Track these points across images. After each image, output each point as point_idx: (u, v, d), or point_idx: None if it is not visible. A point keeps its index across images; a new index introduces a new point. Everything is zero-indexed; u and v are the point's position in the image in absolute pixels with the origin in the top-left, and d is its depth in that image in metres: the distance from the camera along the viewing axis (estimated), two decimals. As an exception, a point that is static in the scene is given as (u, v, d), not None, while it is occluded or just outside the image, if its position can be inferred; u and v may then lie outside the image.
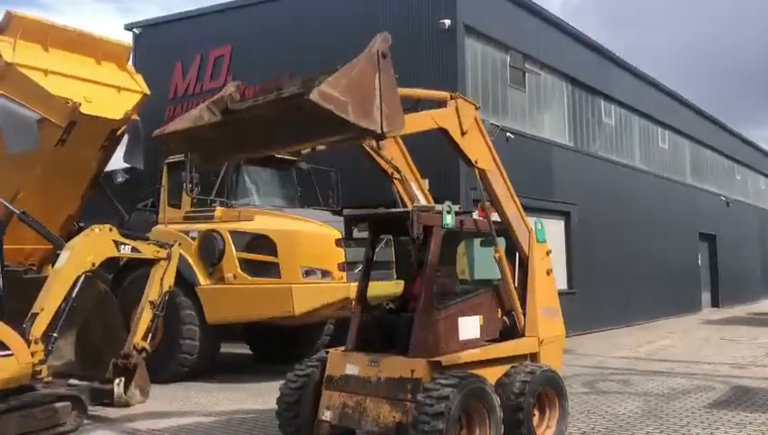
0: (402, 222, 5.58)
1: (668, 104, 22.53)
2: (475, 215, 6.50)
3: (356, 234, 6.29)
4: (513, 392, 5.53)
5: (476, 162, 5.92)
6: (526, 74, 15.30)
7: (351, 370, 5.63)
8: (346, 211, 6.37)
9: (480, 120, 6.02)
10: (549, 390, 5.89)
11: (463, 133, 5.73)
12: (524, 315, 6.23)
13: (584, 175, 16.92)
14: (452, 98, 5.72)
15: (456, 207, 5.81)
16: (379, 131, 4.16)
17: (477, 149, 5.95)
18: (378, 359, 5.50)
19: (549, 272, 6.61)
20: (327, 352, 5.97)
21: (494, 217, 6.30)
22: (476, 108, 5.92)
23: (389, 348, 5.67)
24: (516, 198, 6.40)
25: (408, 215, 5.50)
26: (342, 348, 5.95)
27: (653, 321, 18.95)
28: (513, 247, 6.44)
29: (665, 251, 20.55)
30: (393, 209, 6.28)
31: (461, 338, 5.77)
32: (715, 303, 25.42)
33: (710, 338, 15.42)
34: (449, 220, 5.68)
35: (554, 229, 14.74)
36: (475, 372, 5.35)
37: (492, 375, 5.58)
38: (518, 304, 6.15)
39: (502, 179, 6.24)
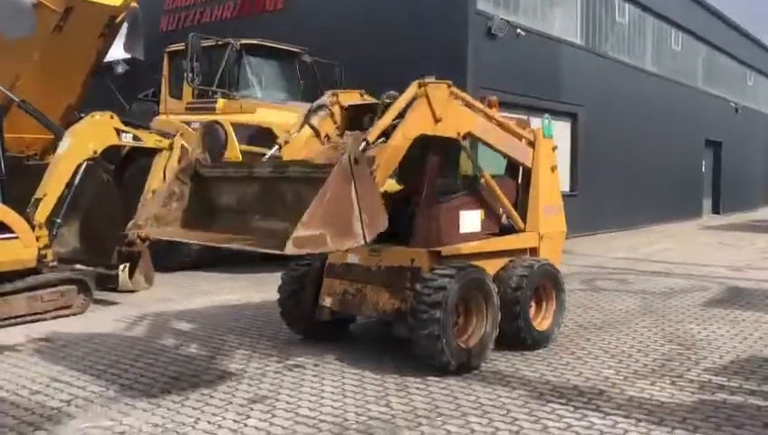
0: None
1: (684, 4, 21.79)
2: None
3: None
4: (511, 285, 5.59)
5: (459, 134, 5.52)
6: (539, -32, 14.70)
7: (352, 259, 5.68)
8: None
9: (455, 91, 5.44)
10: (547, 283, 5.97)
11: (437, 121, 5.26)
12: (526, 211, 6.22)
13: (594, 76, 16.58)
14: (420, 86, 5.17)
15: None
16: (362, 242, 4.20)
17: (457, 122, 5.47)
18: (378, 248, 5.52)
19: (553, 168, 6.54)
20: None
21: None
22: (449, 85, 5.38)
23: (390, 239, 5.66)
24: (511, 126, 6.14)
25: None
26: None
27: (653, 225, 19.06)
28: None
29: (670, 156, 20.42)
30: (397, 97, 6.15)
31: (462, 231, 5.78)
32: (716, 209, 25.51)
33: (709, 242, 15.56)
34: (455, 113, 5.57)
35: (561, 131, 14.52)
36: (473, 263, 5.40)
37: (491, 268, 5.62)
38: (510, 206, 6.05)
39: (490, 124, 5.93)
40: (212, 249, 10.03)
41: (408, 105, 5.11)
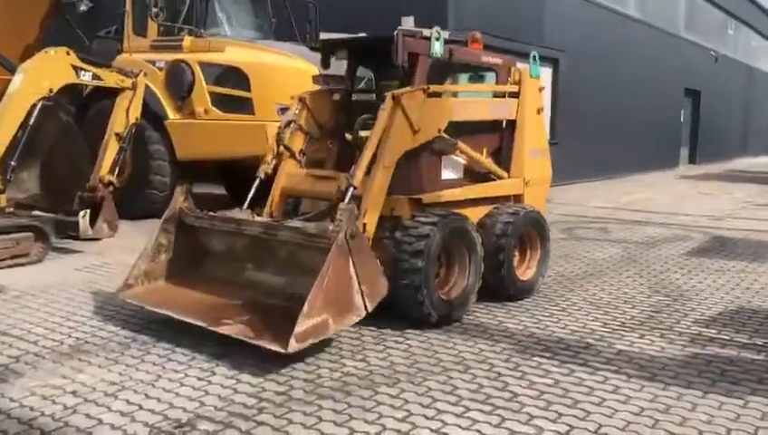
0: (385, 49, 5.07)
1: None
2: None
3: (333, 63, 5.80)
4: (495, 233, 5.33)
5: (440, 130, 5.13)
6: None
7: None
8: (323, 35, 5.82)
9: (431, 91, 4.99)
10: (532, 231, 5.71)
11: (416, 132, 4.90)
12: (511, 156, 5.91)
13: (576, 20, 16.12)
14: (394, 99, 4.75)
15: (445, 34, 5.28)
16: (364, 314, 4.12)
17: (434, 122, 5.07)
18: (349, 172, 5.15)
19: (539, 110, 6.20)
20: None
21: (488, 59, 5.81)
22: (425, 90, 4.94)
23: None
24: (491, 86, 5.88)
25: (392, 40, 4.98)
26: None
27: (631, 175, 18.90)
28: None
29: (649, 105, 20.16)
30: (375, 34, 5.73)
31: (443, 178, 5.45)
32: (693, 159, 25.44)
33: (687, 192, 15.45)
34: (438, 48, 5.17)
35: (543, 77, 14.18)
36: (456, 211, 5.10)
37: (474, 216, 5.33)
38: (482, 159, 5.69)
39: (469, 102, 5.65)
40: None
41: (386, 128, 4.77)
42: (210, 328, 4.27)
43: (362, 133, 5.13)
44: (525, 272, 5.66)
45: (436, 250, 4.68)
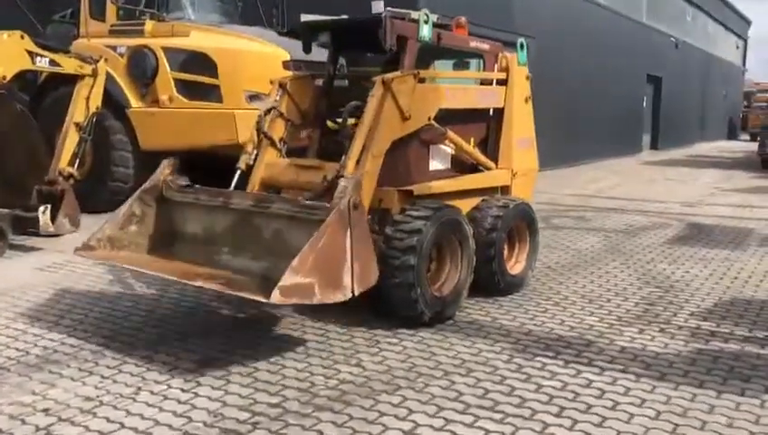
0: (371, 32, 4.78)
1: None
2: None
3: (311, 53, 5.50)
4: (485, 227, 5.09)
5: (430, 118, 4.88)
6: None
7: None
8: (304, 17, 5.50)
9: (421, 75, 4.72)
10: (521, 224, 5.51)
11: (406, 120, 4.64)
12: (498, 146, 5.70)
13: (545, 5, 16.00)
14: (384, 84, 4.46)
15: (433, 17, 5.02)
16: (349, 296, 3.82)
17: (424, 108, 4.81)
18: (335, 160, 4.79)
19: (527, 99, 6.00)
20: None
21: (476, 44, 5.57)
22: (416, 75, 4.67)
23: None
24: (480, 74, 5.70)
25: (380, 22, 4.70)
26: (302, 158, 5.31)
27: (595, 162, 18.93)
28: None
29: (613, 92, 20.23)
30: (361, 16, 5.44)
31: (431, 168, 5.21)
32: (654, 145, 25.70)
33: (654, 178, 15.52)
34: (426, 32, 4.91)
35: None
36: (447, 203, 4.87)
37: (463, 208, 5.09)
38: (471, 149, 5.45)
39: (458, 89, 5.38)
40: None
41: (376, 114, 4.48)
42: (184, 281, 4.04)
43: (350, 121, 4.84)
44: (515, 266, 5.47)
45: (429, 246, 4.43)
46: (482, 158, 5.53)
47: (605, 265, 6.48)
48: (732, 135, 38.80)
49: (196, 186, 4.79)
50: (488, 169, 5.57)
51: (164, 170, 4.85)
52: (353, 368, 3.82)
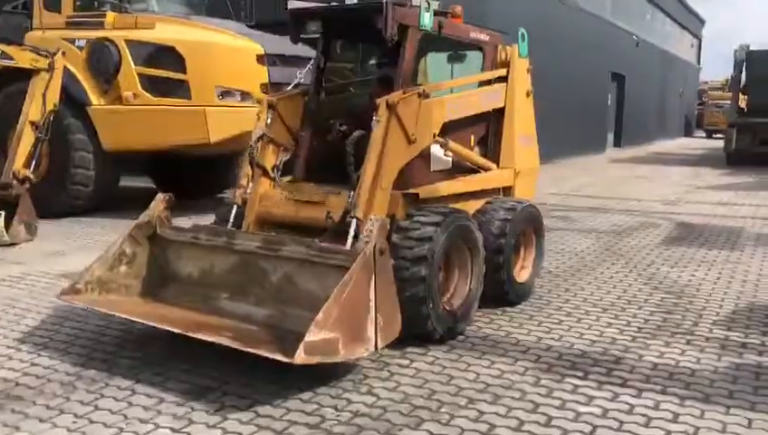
0: (368, 21, 4.34)
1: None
2: None
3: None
4: (492, 232, 4.68)
5: (435, 135, 4.50)
6: None
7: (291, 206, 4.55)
8: (291, 3, 5.01)
9: (425, 92, 4.30)
10: (528, 228, 5.13)
11: (411, 143, 4.25)
12: (500, 145, 5.31)
13: (515, 2, 15.77)
14: (390, 107, 4.06)
15: (435, 4, 4.59)
16: (372, 350, 3.46)
17: (428, 128, 4.42)
18: (335, 189, 4.37)
19: (528, 93, 5.62)
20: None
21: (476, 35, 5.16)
22: (420, 94, 4.26)
23: (346, 179, 4.53)
24: (480, 76, 5.24)
25: (380, 9, 4.25)
26: (287, 179, 4.81)
27: (561, 160, 18.77)
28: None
29: (579, 90, 20.14)
30: (356, 3, 4.98)
31: (433, 168, 4.79)
32: (618, 143, 25.80)
33: (625, 176, 15.42)
34: (427, 21, 4.48)
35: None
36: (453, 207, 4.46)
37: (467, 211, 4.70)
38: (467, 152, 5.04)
39: (460, 97, 4.92)
40: (107, 189, 8.64)
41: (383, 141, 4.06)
42: (190, 334, 3.51)
43: (355, 134, 4.35)
44: (521, 272, 5.09)
45: (440, 255, 4.02)
46: (483, 161, 5.13)
47: (607, 268, 6.16)
48: (688, 132, 39.39)
49: (197, 224, 4.32)
50: (488, 169, 5.18)
51: (158, 205, 4.36)
52: (365, 397, 3.38)
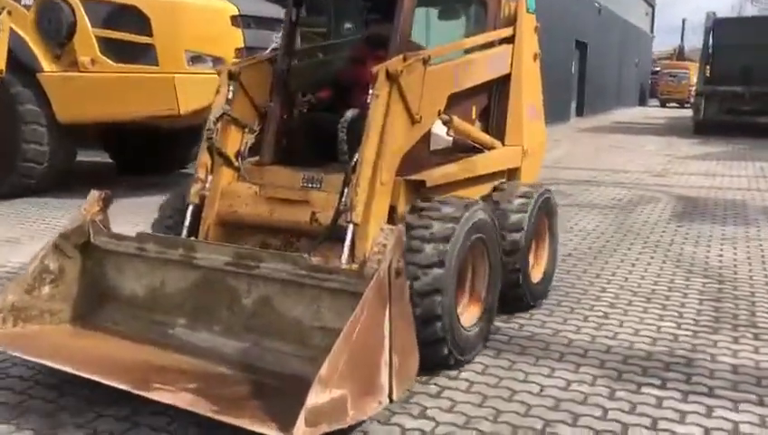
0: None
1: None
2: None
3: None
4: (506, 226, 3.89)
5: (440, 112, 3.68)
6: None
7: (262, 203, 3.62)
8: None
9: (429, 60, 3.43)
10: (543, 218, 4.37)
11: (415, 123, 3.40)
12: (505, 119, 4.58)
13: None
14: (390, 79, 3.18)
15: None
16: (386, 403, 2.66)
17: (433, 104, 3.58)
18: (316, 176, 3.52)
19: (536, 56, 4.93)
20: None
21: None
22: (424, 60, 3.40)
23: (327, 160, 3.67)
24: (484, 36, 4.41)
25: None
26: (253, 161, 3.84)
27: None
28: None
29: (546, 57, 19.64)
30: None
31: (432, 147, 3.93)
32: (580, 112, 25.60)
33: (599, 145, 15.14)
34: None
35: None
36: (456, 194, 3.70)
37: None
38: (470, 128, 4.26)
39: (464, 64, 4.08)
40: (63, 166, 7.79)
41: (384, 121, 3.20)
42: (140, 394, 2.62)
43: (348, 114, 3.55)
44: (534, 270, 4.27)
45: (459, 259, 3.25)
46: (489, 139, 4.39)
47: (627, 249, 5.71)
48: (642, 101, 39.64)
49: (144, 232, 3.44)
50: (492, 147, 4.37)
51: (92, 206, 3.44)
52: (420, 421, 2.79)
